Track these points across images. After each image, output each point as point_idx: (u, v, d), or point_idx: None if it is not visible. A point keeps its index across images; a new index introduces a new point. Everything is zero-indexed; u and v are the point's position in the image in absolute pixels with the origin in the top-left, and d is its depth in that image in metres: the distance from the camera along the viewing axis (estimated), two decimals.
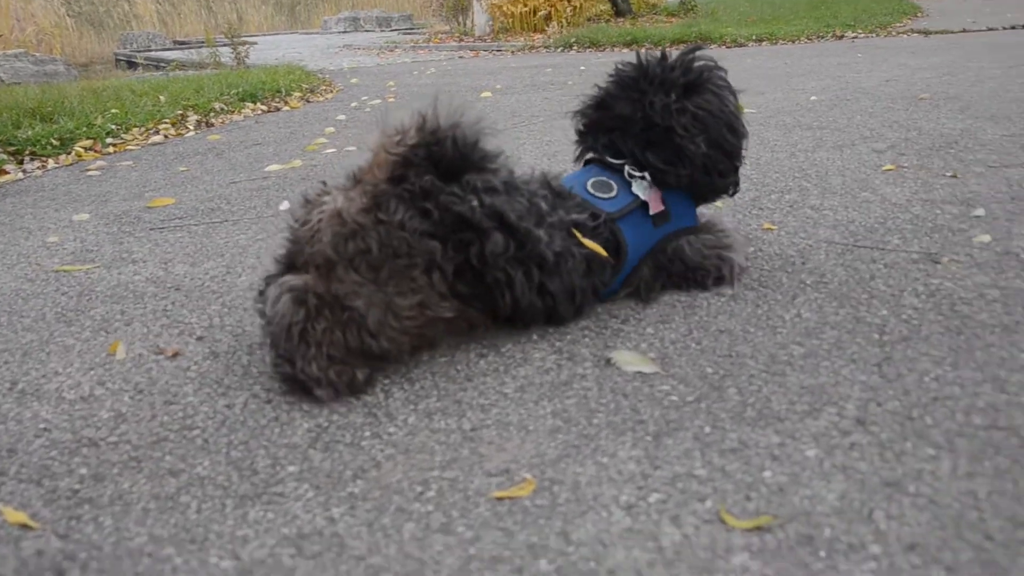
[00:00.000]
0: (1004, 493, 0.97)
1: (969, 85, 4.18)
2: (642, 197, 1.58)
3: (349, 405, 1.28)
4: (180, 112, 4.73)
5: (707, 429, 1.14)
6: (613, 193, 1.57)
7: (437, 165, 1.33)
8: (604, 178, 1.60)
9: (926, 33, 8.27)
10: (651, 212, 1.58)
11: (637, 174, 1.60)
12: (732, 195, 1.72)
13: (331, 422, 1.24)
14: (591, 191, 1.56)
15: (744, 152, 1.68)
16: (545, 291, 1.40)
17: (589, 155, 1.73)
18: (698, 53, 1.68)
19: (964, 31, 8.14)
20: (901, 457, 1.05)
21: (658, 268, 1.62)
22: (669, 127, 1.59)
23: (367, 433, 1.20)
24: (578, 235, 1.44)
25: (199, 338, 1.59)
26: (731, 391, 1.24)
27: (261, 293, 1.39)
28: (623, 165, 1.62)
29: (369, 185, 1.32)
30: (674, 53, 1.70)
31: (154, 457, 1.17)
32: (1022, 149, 2.67)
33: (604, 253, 1.47)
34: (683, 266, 1.62)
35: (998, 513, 0.93)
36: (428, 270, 1.31)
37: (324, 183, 1.40)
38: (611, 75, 1.72)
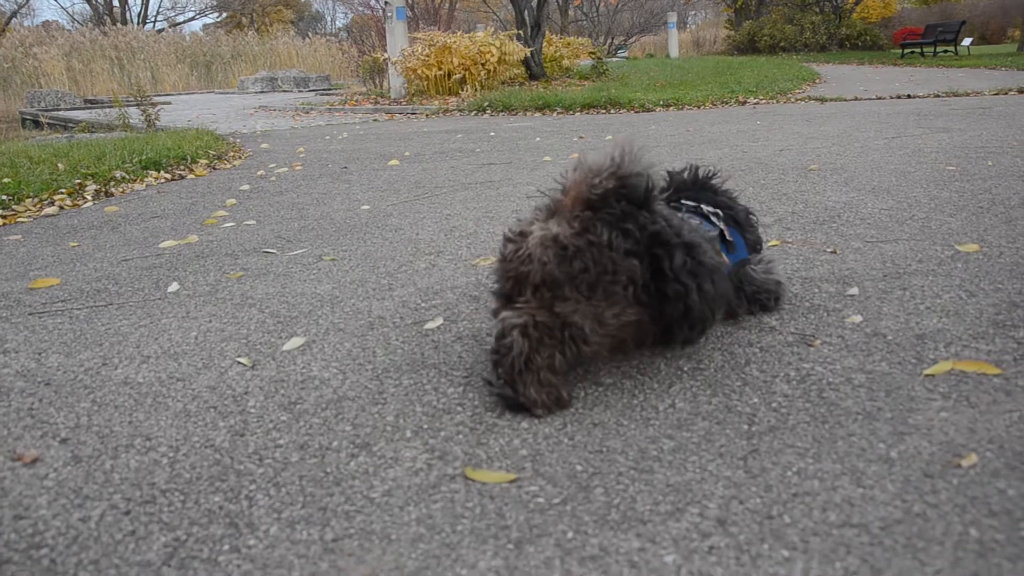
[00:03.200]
0: None
1: (855, 156, 4.37)
2: (720, 227, 1.88)
3: (211, 515, 1.24)
4: (78, 181, 4.63)
5: (570, 535, 1.14)
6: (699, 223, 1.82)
7: (626, 199, 1.52)
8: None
9: (822, 100, 8.64)
10: (727, 238, 1.87)
11: (712, 210, 1.91)
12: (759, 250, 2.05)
13: (190, 535, 1.20)
14: None
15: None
16: (708, 298, 1.54)
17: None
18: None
19: (856, 99, 8.53)
20: (757, 561, 1.06)
21: (737, 289, 1.90)
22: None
23: (226, 547, 1.16)
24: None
25: (63, 440, 1.52)
26: (598, 491, 1.25)
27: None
28: (698, 206, 1.92)
29: (572, 213, 1.52)
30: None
31: None
32: (898, 224, 2.79)
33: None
34: (753, 287, 1.93)
35: None
36: (627, 284, 1.49)
37: (519, 220, 1.63)
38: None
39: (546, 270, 1.48)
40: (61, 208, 4.19)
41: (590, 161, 1.54)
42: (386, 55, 13.34)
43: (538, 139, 6.38)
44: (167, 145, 5.84)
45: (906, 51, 22.89)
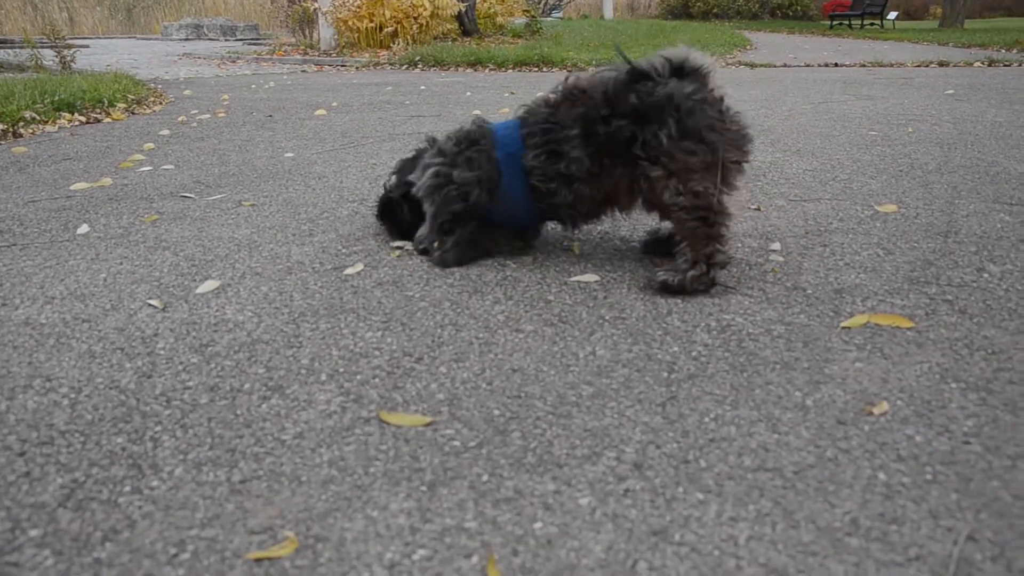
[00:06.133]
0: (762, 538, 0.99)
1: (782, 119, 4.41)
2: None
3: (112, 457, 1.19)
4: None
5: (485, 477, 1.12)
6: None
7: None
8: None
9: (752, 66, 8.71)
10: None
11: None
12: None
13: (89, 476, 1.14)
14: None
15: None
16: None
17: None
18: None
19: (785, 65, 8.62)
20: (671, 503, 1.06)
21: None
22: None
23: (127, 488, 1.12)
24: None
25: None
26: (515, 435, 1.23)
27: None
28: None
29: None
30: None
31: None
32: (821, 184, 2.83)
33: None
34: None
35: (754, 560, 0.95)
36: None
37: None
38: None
39: None
40: None
41: None
42: (316, 5, 12.99)
43: (469, 94, 6.30)
44: (83, 87, 5.58)
45: (834, 23, 23.24)
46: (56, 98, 5.09)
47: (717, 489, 1.09)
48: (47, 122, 4.74)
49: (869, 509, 1.04)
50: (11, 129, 4.43)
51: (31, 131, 4.50)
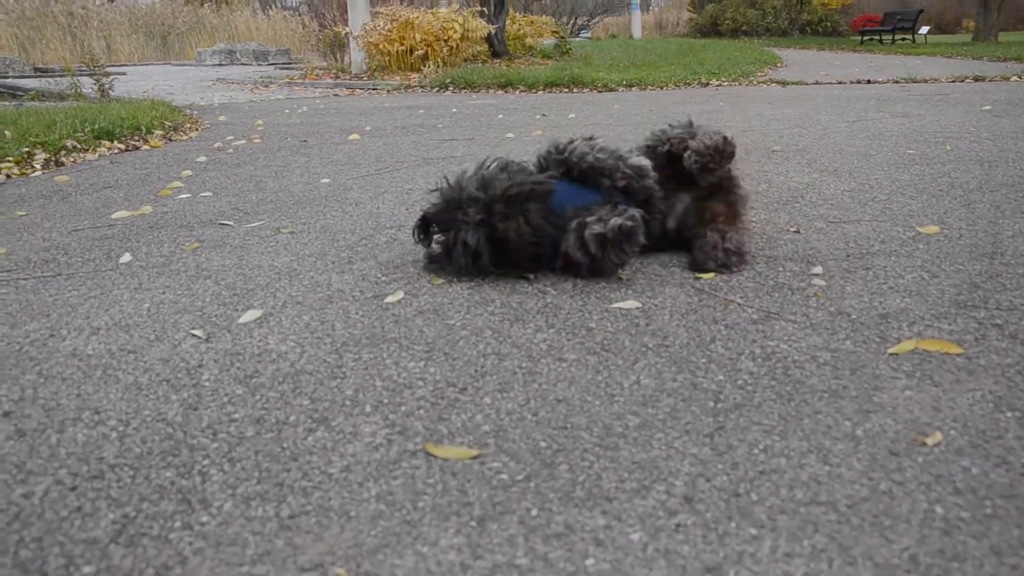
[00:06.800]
0: (818, 574, 0.97)
1: (817, 138, 4.38)
2: None
3: (162, 491, 1.20)
4: (27, 150, 4.48)
5: (534, 512, 1.11)
6: None
7: None
8: None
9: (783, 84, 8.68)
10: None
11: None
12: None
13: (140, 511, 1.15)
14: None
15: None
16: None
17: None
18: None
19: (817, 83, 8.58)
20: (724, 539, 1.04)
21: None
22: None
23: (177, 523, 1.12)
24: None
25: (5, 413, 1.46)
26: (562, 468, 1.22)
27: None
28: None
29: None
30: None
31: None
32: (860, 205, 2.80)
33: None
34: None
35: None
36: None
37: None
38: None
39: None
40: (8, 177, 4.06)
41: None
42: (347, 29, 13.15)
43: (500, 116, 6.33)
44: (121, 115, 5.69)
45: (865, 38, 23.13)
46: (96, 126, 5.19)
47: (770, 524, 1.07)
48: (88, 150, 4.83)
49: (928, 545, 1.02)
50: (53, 158, 4.51)
51: (72, 159, 4.59)
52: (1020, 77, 8.59)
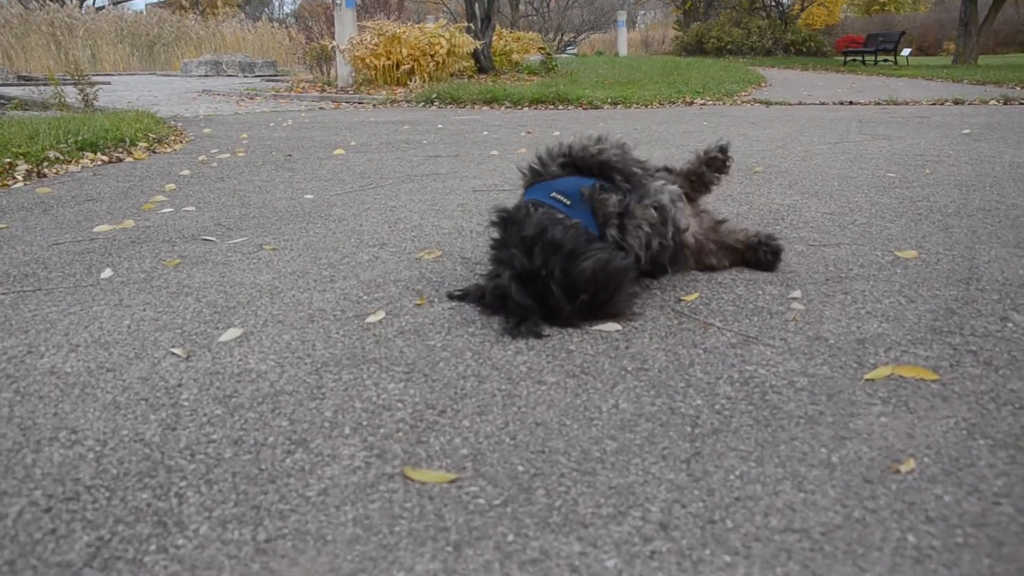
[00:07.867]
0: None
1: (799, 159, 4.42)
2: None
3: (138, 513, 1.19)
4: (8, 160, 4.46)
5: (510, 537, 1.12)
6: None
7: None
8: None
9: (767, 103, 8.75)
10: None
11: None
12: None
13: (115, 533, 1.15)
14: None
15: None
16: None
17: None
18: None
19: (800, 103, 8.66)
20: (698, 566, 1.05)
21: None
22: None
23: (152, 547, 1.12)
24: None
25: None
26: (539, 492, 1.23)
27: None
28: None
29: None
30: None
31: None
32: (840, 228, 2.83)
33: None
34: None
35: None
36: None
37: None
38: None
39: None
40: None
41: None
42: (334, 43, 13.16)
43: (486, 133, 6.35)
44: (105, 126, 5.66)
45: (848, 59, 23.35)
46: (80, 137, 5.17)
47: (744, 551, 1.08)
48: (71, 162, 4.81)
49: (900, 574, 1.03)
50: (36, 169, 4.49)
51: (55, 171, 4.57)
52: (998, 101, 8.70)
